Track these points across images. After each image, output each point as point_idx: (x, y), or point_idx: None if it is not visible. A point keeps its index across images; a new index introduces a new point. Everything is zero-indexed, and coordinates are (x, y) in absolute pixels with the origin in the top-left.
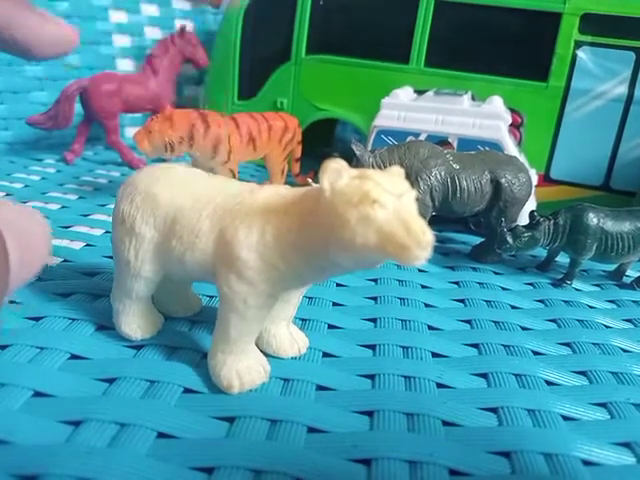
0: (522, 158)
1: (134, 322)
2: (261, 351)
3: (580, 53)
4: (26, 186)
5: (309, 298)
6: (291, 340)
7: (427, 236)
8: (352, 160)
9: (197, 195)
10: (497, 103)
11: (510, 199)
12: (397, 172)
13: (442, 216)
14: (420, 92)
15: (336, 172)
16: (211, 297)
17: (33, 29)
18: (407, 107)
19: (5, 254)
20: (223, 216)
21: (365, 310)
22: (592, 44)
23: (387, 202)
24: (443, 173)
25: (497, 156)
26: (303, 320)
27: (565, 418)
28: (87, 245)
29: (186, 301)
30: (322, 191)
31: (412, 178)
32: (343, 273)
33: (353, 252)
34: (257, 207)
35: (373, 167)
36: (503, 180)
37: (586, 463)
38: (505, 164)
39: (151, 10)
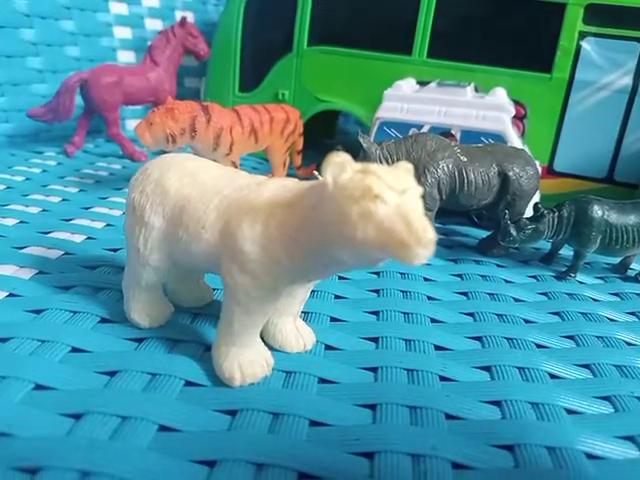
0: (525, 150)
1: (143, 310)
2: (267, 345)
3: (584, 44)
4: (27, 179)
5: (311, 291)
6: (297, 335)
7: (428, 234)
8: (359, 153)
9: (206, 186)
10: (500, 95)
11: (518, 192)
12: (405, 167)
13: (445, 208)
14: (423, 83)
15: (339, 166)
16: (214, 289)
17: None
18: (410, 99)
19: None
20: (229, 208)
21: (367, 303)
22: (596, 35)
23: (389, 198)
24: (451, 166)
25: (505, 149)
26: (305, 313)
27: (569, 411)
28: (88, 238)
29: (197, 291)
30: (325, 185)
31: (420, 171)
32: (346, 270)
33: (354, 248)
34: (263, 200)
35: (380, 160)
36: (511, 173)
37: (590, 456)
38: (513, 157)
39: (151, 1)
